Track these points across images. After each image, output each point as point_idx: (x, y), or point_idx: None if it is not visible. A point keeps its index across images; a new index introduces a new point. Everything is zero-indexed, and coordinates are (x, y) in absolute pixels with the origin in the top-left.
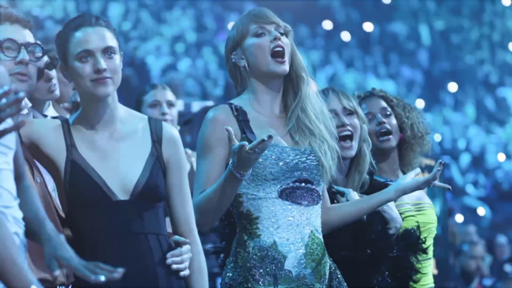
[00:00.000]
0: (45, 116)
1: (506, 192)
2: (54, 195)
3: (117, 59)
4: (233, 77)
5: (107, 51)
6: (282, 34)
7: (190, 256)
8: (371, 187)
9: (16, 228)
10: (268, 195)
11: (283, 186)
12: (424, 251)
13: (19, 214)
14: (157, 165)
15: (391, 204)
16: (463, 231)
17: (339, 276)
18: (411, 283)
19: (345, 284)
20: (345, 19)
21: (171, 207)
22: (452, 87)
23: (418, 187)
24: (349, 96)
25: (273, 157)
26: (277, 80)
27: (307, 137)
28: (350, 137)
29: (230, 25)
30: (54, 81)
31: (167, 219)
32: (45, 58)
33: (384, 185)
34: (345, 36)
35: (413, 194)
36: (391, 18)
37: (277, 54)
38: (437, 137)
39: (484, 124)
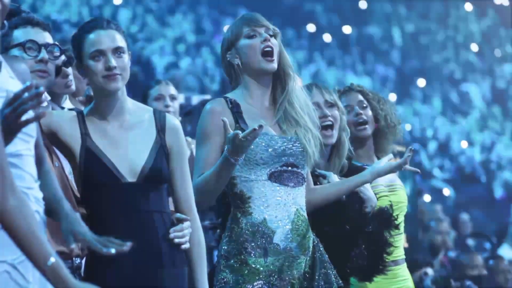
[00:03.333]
0: (63, 108)
1: (468, 175)
2: (71, 177)
3: (126, 58)
4: (228, 74)
5: (117, 51)
6: (271, 36)
7: (190, 231)
8: (350, 170)
9: (37, 206)
10: (259, 178)
11: (272, 170)
12: (396, 227)
13: (40, 195)
14: (161, 151)
15: (367, 186)
16: (430, 210)
17: (321, 249)
18: (384, 255)
19: (326, 256)
20: (326, 23)
21: (173, 188)
22: (421, 82)
23: (391, 170)
24: (330, 90)
25: (263, 144)
26: (267, 77)
27: (293, 126)
28: (331, 127)
29: (225, 28)
30: (71, 77)
31: (170, 199)
32: (63, 57)
33: (361, 169)
34: (327, 37)
35: (387, 176)
36: (367, 22)
37: (267, 54)
38: (408, 127)
39: (449, 115)
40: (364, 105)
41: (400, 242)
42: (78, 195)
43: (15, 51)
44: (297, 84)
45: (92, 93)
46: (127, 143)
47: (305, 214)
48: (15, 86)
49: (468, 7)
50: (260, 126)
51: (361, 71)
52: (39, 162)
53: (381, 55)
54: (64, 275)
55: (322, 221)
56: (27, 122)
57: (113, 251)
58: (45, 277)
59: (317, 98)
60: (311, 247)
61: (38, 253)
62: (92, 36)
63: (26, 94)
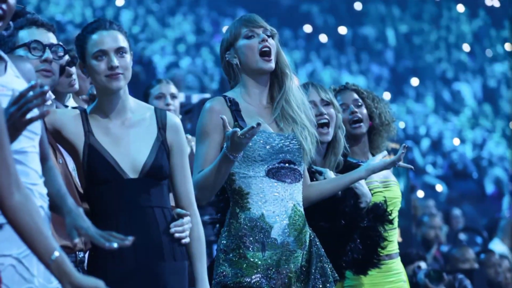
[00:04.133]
0: (66, 106)
1: (460, 172)
2: (74, 174)
3: (128, 57)
4: (227, 73)
5: (119, 51)
6: (269, 36)
7: (190, 226)
8: (345, 167)
9: (41, 202)
10: (257, 174)
11: (270, 166)
12: (390, 222)
13: (44, 190)
14: (162, 148)
15: (362, 182)
16: (423, 205)
17: (317, 243)
18: (379, 249)
19: (323, 250)
20: (323, 24)
21: (173, 184)
22: (414, 81)
23: (385, 167)
24: (326, 89)
25: (261, 141)
26: (264, 76)
27: (290, 124)
28: (327, 125)
29: (224, 29)
30: (74, 76)
31: (171, 195)
32: (66, 57)
33: (356, 166)
34: (323, 38)
35: (381, 173)
36: (362, 22)
37: (265, 54)
38: (401, 125)
39: (441, 113)
40: (359, 104)
41: (394, 236)
42: (82, 191)
43: (20, 51)
44: (294, 83)
45: (95, 92)
46: (129, 141)
47: (302, 209)
48: (21, 85)
49: (460, 8)
50: (258, 124)
51: (356, 70)
52: (43, 159)
53: (375, 55)
54: (68, 269)
55: (318, 216)
56: (32, 120)
57: (115, 245)
58: (49, 271)
59: (314, 96)
60: (308, 241)
61: (42, 248)
62: (95, 36)
63: (31, 93)
